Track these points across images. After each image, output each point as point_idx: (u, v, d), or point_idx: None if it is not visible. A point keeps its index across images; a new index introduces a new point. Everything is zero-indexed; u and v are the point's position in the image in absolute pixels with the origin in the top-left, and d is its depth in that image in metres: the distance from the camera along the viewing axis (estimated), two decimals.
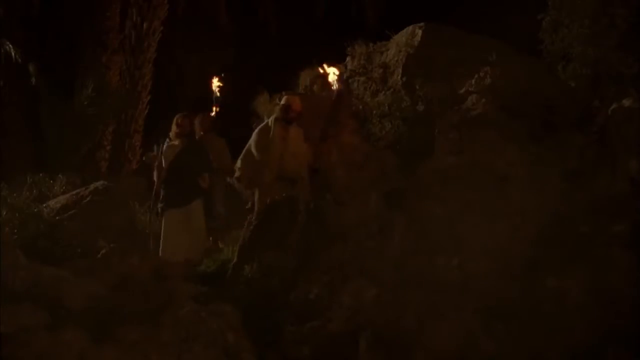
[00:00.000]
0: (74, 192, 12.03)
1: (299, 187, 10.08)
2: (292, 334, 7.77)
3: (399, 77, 12.21)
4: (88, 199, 11.57)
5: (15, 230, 9.14)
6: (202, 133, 11.94)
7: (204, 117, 12.19)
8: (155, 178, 11.14)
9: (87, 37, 19.29)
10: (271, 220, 9.61)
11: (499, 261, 9.33)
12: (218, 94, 12.84)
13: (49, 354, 6.19)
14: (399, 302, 8.23)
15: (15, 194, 10.90)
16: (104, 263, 8.16)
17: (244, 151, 10.42)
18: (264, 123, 10.55)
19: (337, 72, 10.62)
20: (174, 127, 11.28)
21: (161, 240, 11.03)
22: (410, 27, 13.01)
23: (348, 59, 13.59)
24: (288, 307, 8.12)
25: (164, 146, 11.20)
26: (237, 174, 10.46)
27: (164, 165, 11.03)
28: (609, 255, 9.71)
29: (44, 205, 11.41)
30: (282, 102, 10.49)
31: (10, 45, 16.68)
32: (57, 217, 10.96)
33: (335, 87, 10.45)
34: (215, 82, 12.72)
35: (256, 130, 10.41)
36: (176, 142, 11.22)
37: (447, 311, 8.14)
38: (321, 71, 10.89)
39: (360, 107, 11.81)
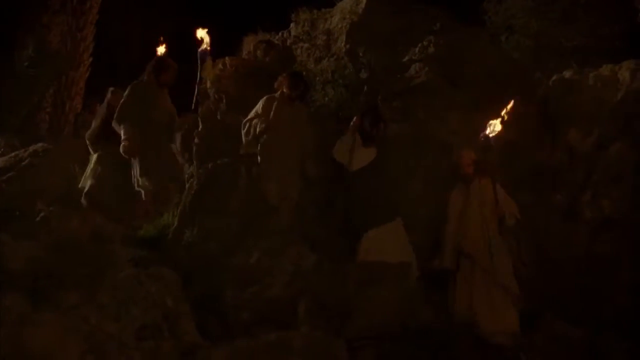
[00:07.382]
0: (12, 154, 11.80)
1: None
2: (232, 298, 7.76)
3: (343, 44, 12.16)
4: (27, 161, 11.34)
5: None
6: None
7: None
8: None
9: None
10: (212, 185, 9.52)
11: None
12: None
13: None
14: (339, 268, 8.27)
15: None
16: (43, 226, 8.04)
17: None
18: None
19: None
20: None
21: None
22: None
23: (292, 25, 13.50)
24: (228, 272, 8.09)
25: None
26: None
27: None
28: (548, 225, 9.86)
29: None
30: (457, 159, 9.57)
31: None
32: None
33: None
34: (161, 49, 12.20)
35: None
36: None
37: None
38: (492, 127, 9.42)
39: (304, 73, 11.75)
